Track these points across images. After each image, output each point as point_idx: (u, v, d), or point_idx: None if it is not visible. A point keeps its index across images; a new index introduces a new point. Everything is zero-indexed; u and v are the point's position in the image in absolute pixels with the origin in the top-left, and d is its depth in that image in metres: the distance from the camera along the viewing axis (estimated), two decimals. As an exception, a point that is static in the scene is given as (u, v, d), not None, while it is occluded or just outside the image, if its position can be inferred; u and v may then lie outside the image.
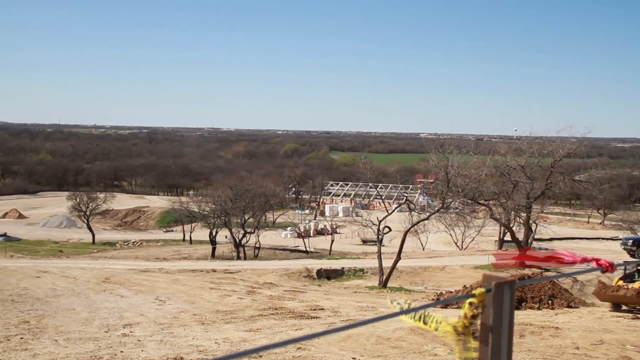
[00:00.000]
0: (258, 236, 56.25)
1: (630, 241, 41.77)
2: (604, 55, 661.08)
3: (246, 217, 56.20)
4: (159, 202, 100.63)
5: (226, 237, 55.46)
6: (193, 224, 66.07)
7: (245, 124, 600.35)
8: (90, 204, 74.41)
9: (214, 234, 55.75)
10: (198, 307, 19.70)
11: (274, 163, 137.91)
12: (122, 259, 45.73)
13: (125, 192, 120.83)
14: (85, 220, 72.77)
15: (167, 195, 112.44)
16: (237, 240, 52.74)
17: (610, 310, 19.78)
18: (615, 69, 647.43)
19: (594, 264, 2.23)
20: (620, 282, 19.98)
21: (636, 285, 19.63)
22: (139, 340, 13.73)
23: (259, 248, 55.59)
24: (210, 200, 59.79)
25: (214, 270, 34.71)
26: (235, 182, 63.79)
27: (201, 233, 65.04)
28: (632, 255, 38.91)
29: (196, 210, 62.16)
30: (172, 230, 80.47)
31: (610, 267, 2.18)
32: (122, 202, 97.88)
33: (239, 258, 50.37)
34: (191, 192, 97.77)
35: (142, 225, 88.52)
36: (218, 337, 14.39)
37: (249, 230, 54.78)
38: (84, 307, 19.12)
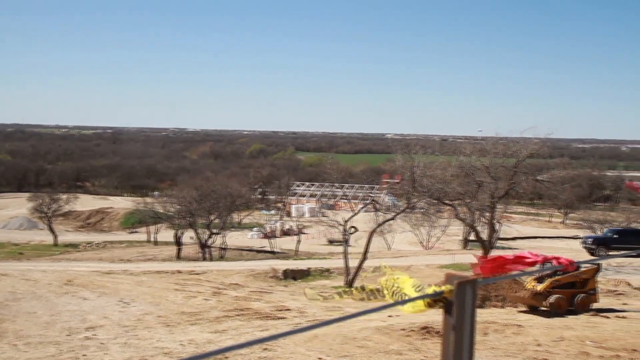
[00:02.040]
0: (224, 237, 56.00)
1: (590, 240, 42.62)
2: (566, 58, 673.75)
3: (212, 218, 55.89)
4: (123, 203, 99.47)
5: (192, 238, 55.07)
6: (158, 225, 65.45)
7: (211, 124, 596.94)
8: (52, 205, 73.21)
9: (179, 235, 55.32)
10: (163, 309, 19.49)
11: (240, 163, 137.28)
12: (85, 261, 45.07)
13: (89, 193, 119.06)
14: (47, 222, 71.54)
15: (132, 196, 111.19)
16: (203, 241, 52.41)
17: (524, 311, 19.96)
18: (576, 72, 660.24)
19: (554, 263, 2.25)
20: (532, 283, 20.26)
21: (541, 286, 19.94)
22: (102, 344, 13.53)
23: (224, 249, 55.32)
24: (176, 201, 59.32)
25: (179, 272, 34.41)
26: (200, 183, 63.37)
27: (166, 234, 64.46)
28: (592, 254, 39.70)
29: (161, 211, 61.60)
30: (137, 232, 79.59)
31: (570, 265, 2.21)
32: (85, 203, 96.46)
33: (204, 259, 50.04)
34: (156, 192, 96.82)
35: (105, 227, 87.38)
36: (183, 339, 14.27)
37: (214, 231, 54.48)
38: (45, 310, 18.78)
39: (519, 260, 2.32)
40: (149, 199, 78.91)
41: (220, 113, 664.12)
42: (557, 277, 20.02)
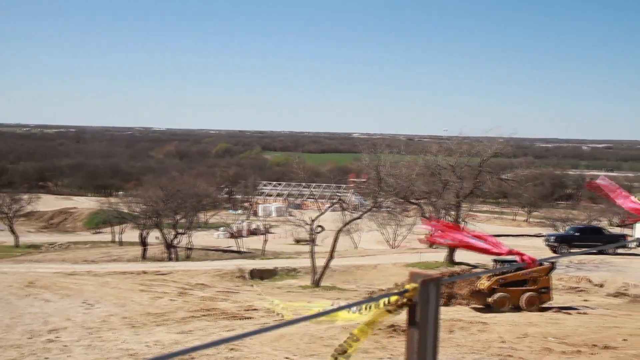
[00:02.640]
0: (190, 237, 55.59)
1: (553, 238, 43.34)
2: (529, 58, 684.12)
3: (178, 218, 55.45)
4: (87, 203, 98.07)
5: (157, 238, 54.56)
6: (123, 225, 64.67)
7: (177, 124, 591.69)
8: (14, 206, 71.84)
9: (144, 235, 54.78)
10: (128, 310, 19.29)
11: (206, 163, 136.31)
12: (47, 262, 44.30)
13: (52, 193, 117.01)
14: (8, 223, 70.18)
15: (96, 196, 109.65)
16: (169, 242, 51.98)
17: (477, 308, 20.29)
18: (538, 72, 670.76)
19: (518, 259, 2.29)
20: (484, 281, 20.65)
21: (487, 284, 20.33)
22: (65, 346, 13.34)
23: (191, 249, 54.92)
24: (141, 201, 58.68)
25: (145, 272, 34.04)
26: (166, 183, 62.79)
27: (131, 234, 63.70)
28: (555, 251, 40.37)
29: (126, 211, 60.85)
30: (101, 232, 78.48)
31: (533, 263, 2.25)
32: (48, 203, 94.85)
33: (170, 259, 49.61)
34: (121, 192, 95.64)
35: (69, 227, 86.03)
36: (149, 340, 14.14)
37: (180, 231, 54.07)
38: (6, 313, 18.43)
39: (482, 240, 2.35)
40: (113, 199, 77.89)
41: (186, 112, 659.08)
42: (503, 275, 20.36)
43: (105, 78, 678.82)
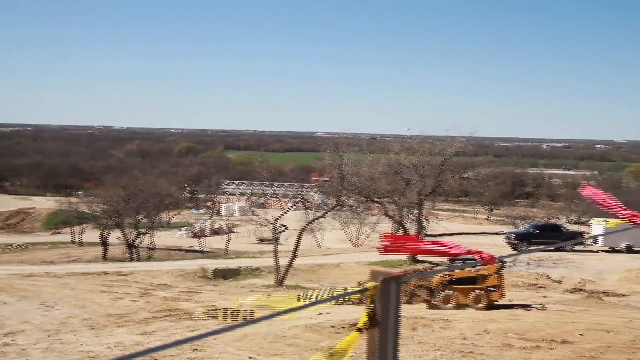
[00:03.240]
0: (152, 237, 55.07)
1: (513, 235, 44.10)
2: (488, 59, 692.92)
3: (139, 218, 54.88)
4: (45, 203, 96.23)
5: (118, 238, 53.89)
6: (83, 226, 63.67)
7: (138, 122, 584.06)
8: (-31, 206, 70.23)
9: (105, 235, 54.09)
10: (88, 312, 19.02)
11: (169, 162, 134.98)
12: (4, 264, 43.37)
13: (8, 193, 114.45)
14: (-37, 224, 68.57)
15: (55, 196, 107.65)
16: (130, 242, 51.42)
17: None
18: (498, 72, 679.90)
19: (477, 257, 2.32)
20: (438, 279, 21.06)
21: (434, 282, 20.77)
22: (22, 349, 13.10)
23: (153, 249, 54.39)
24: (102, 201, 57.91)
25: (106, 273, 33.59)
26: (128, 182, 62.05)
27: (92, 235, 62.75)
28: (515, 249, 41.06)
29: (86, 211, 59.98)
30: (61, 233, 77.05)
31: (491, 260, 2.28)
32: (5, 203, 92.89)
33: (132, 259, 49.06)
34: (81, 192, 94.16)
35: (27, 228, 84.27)
36: (110, 342, 13.97)
37: (142, 230, 53.52)
38: (-38, 315, 18.02)
39: (440, 245, 2.39)
40: (73, 199, 76.60)
41: (148, 111, 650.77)
42: (449, 272, 20.68)
43: (63, 75, 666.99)
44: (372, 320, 1.64)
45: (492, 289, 20.18)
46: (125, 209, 53.99)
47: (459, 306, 20.23)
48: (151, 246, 54.33)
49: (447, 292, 20.60)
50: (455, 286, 20.61)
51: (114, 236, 55.03)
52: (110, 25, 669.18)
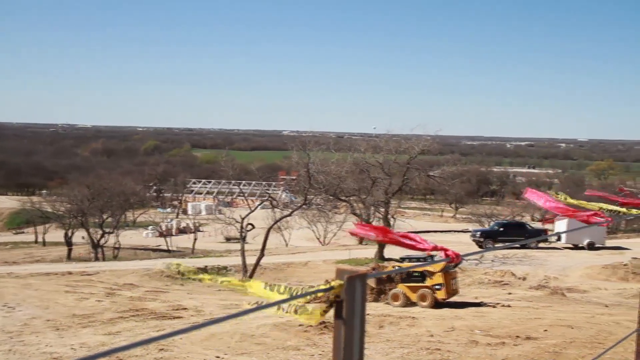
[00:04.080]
0: (117, 236, 54.50)
1: (479, 233, 44.59)
2: (453, 58, 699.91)
3: (105, 217, 54.29)
4: (7, 203, 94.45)
5: (83, 238, 53.20)
6: (46, 225, 62.69)
7: (103, 120, 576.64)
8: None
9: (69, 234, 53.36)
10: (52, 312, 18.73)
11: (134, 161, 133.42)
12: (-35, 264, 42.47)
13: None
14: None
15: (17, 195, 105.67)
16: (95, 241, 50.82)
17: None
18: (463, 72, 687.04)
19: (442, 254, 2.35)
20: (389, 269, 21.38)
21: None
22: (-15, 351, 12.84)
23: (118, 248, 53.82)
24: (66, 200, 57.14)
25: (70, 273, 33.10)
26: (92, 181, 61.27)
27: (56, 234, 61.81)
28: (480, 246, 41.51)
29: (50, 210, 59.10)
30: (23, 232, 75.77)
31: (456, 258, 2.31)
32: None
33: (97, 259, 48.48)
34: (44, 191, 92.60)
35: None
36: (74, 343, 13.78)
37: (107, 230, 52.95)
38: None
39: (408, 239, 2.41)
40: (36, 198, 75.36)
41: (113, 109, 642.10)
42: (399, 264, 20.93)
43: (25, 72, 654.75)
44: (336, 310, 1.65)
45: (437, 287, 20.28)
46: (89, 208, 53.41)
47: (407, 304, 20.44)
48: (117, 246, 53.78)
49: (395, 290, 20.87)
50: (405, 284, 20.83)
51: (79, 236, 54.34)
52: (72, 22, 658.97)
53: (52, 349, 13.07)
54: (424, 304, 20.13)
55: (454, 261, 2.30)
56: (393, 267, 21.60)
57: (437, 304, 20.30)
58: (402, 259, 24.33)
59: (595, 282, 29.18)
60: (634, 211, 3.90)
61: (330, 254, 41.80)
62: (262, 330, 14.30)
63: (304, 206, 38.83)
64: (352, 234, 2.54)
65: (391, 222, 40.85)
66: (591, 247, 40.92)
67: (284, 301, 2.00)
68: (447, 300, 20.69)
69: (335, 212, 56.63)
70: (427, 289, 20.36)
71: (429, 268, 20.16)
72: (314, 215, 55.90)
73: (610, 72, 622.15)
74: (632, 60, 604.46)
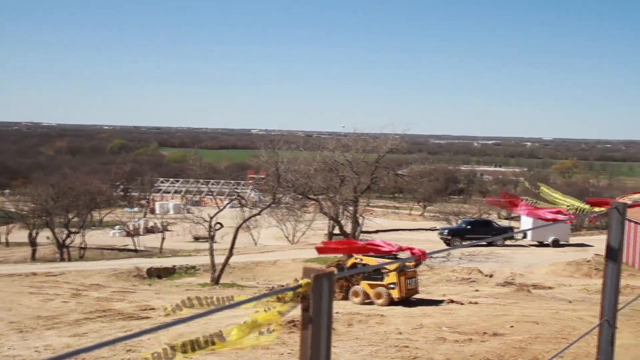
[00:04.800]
0: (84, 236, 53.83)
1: (446, 231, 45.03)
2: (420, 57, 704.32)
3: (70, 217, 53.57)
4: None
5: (48, 238, 52.44)
6: (10, 225, 61.61)
7: (68, 119, 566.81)
8: None
9: (34, 235, 52.54)
10: (16, 314, 18.42)
11: (101, 160, 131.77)
12: None
13: None
14: None
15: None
16: (61, 241, 50.12)
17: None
18: (432, 70, 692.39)
19: (408, 253, 2.36)
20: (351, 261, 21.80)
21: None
22: (-55, 355, 12.58)
23: (84, 248, 53.15)
24: (30, 199, 56.26)
25: (35, 274, 32.57)
26: (57, 180, 60.43)
27: (19, 234, 60.80)
28: (448, 244, 41.94)
29: (13, 210, 58.14)
30: (-15, 233, 74.38)
31: (422, 256, 2.33)
32: None
33: (62, 260, 47.83)
34: (7, 190, 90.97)
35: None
36: (39, 345, 13.57)
37: (73, 230, 52.26)
38: None
39: (372, 246, 2.42)
40: (-1, 197, 74.13)
41: (78, 107, 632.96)
42: (361, 257, 21.23)
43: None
44: (305, 317, 1.65)
45: (392, 286, 20.46)
46: (54, 208, 52.72)
47: (366, 301, 20.67)
48: (83, 246, 53.14)
49: (356, 287, 21.12)
50: (366, 281, 21.04)
51: (43, 236, 53.57)
52: (36, 18, 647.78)
53: (15, 351, 12.86)
54: (379, 301, 20.36)
55: (420, 259, 2.32)
56: (355, 261, 21.80)
57: (408, 302, 20.46)
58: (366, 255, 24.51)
59: (559, 278, 29.68)
60: (596, 209, 3.98)
61: (299, 252, 41.82)
62: (231, 329, 14.25)
63: (272, 205, 38.76)
64: (320, 252, 2.54)
65: (360, 221, 41.02)
66: (556, 244, 41.63)
67: (252, 300, 1.99)
68: (412, 299, 20.95)
69: (304, 211, 56.65)
70: (383, 288, 20.57)
71: (387, 267, 20.33)
72: (283, 214, 55.85)
73: (573, 73, 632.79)
74: (595, 62, 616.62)
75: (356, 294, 21.04)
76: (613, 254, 3.66)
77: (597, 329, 3.78)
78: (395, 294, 20.32)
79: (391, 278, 20.45)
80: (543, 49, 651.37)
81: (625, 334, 10.92)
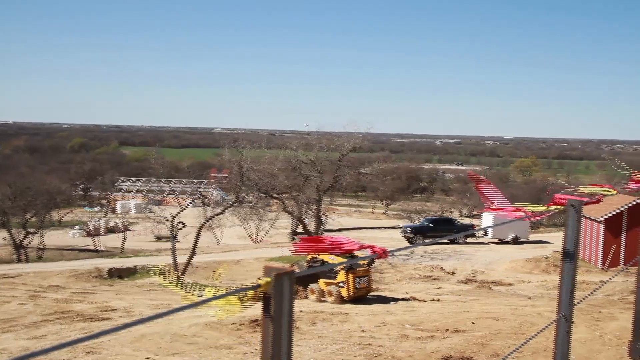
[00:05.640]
0: (42, 236, 52.89)
1: (409, 229, 45.40)
2: (384, 56, 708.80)
3: (28, 217, 52.58)
4: None
5: (5, 239, 51.39)
6: (-37, 227, 60.24)
7: (26, 117, 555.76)
8: None
9: (-11, 236, 51.48)
10: (-29, 317, 18.00)
11: (60, 159, 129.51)
12: None
13: None
14: None
15: None
16: (18, 242, 49.18)
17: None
18: (394, 69, 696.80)
19: (369, 251, 2.38)
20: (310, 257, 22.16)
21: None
22: None
23: (43, 249, 52.23)
24: (-16, 200, 55.07)
25: (-10, 276, 31.90)
26: (14, 179, 59.25)
27: (-26, 236, 59.51)
28: (410, 242, 42.30)
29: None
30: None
31: (384, 254, 2.34)
32: None
33: (19, 261, 46.91)
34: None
35: None
36: (-5, 348, 13.29)
37: (31, 230, 51.31)
38: None
39: (336, 244, 2.44)
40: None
41: (36, 105, 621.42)
42: (318, 254, 21.46)
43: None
44: (264, 307, 1.66)
45: (341, 285, 20.63)
46: (11, 208, 51.69)
47: (321, 299, 20.86)
48: (41, 246, 52.23)
49: (313, 284, 21.29)
50: (323, 279, 21.18)
51: (0, 237, 52.54)
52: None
53: (-29, 355, 12.58)
54: (330, 299, 20.55)
55: (381, 257, 2.34)
56: (310, 259, 21.98)
57: (369, 300, 20.62)
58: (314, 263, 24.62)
59: (519, 275, 30.17)
60: (553, 207, 4.06)
61: (262, 251, 41.72)
62: (194, 329, 14.15)
63: (235, 204, 38.61)
64: (298, 251, 2.58)
65: (323, 220, 41.13)
66: (516, 241, 42.32)
67: (214, 299, 1.98)
68: (371, 296, 21.22)
69: (267, 210, 56.55)
70: (335, 286, 20.72)
71: (340, 265, 20.46)
72: (246, 213, 55.68)
73: (532, 74, 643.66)
74: (553, 62, 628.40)
75: (312, 292, 21.22)
76: (570, 250, 3.74)
77: (555, 324, 3.87)
78: (344, 292, 20.45)
79: (340, 277, 20.60)
80: (503, 49, 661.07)
81: (582, 328, 11.17)
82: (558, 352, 3.86)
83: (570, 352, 3.93)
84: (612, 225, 32.33)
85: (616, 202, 31.58)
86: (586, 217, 32.21)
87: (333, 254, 21.63)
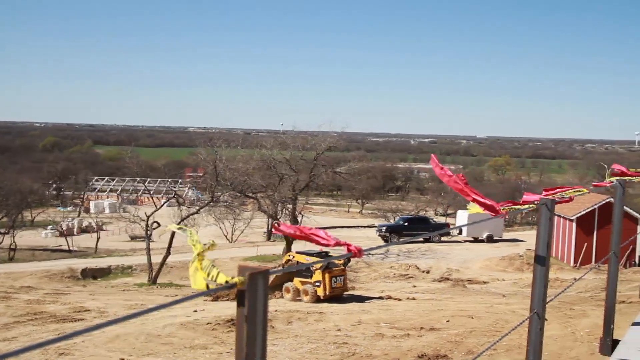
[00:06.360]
0: (13, 237, 52.17)
1: (384, 228, 45.57)
2: (360, 55, 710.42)
3: (-1, 217, 51.92)
4: None
5: (-25, 239, 50.65)
6: None
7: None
8: None
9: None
10: (-59, 319, 17.69)
11: (32, 158, 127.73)
12: None
13: None
14: None
15: None
16: (-11, 243, 48.53)
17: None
18: (370, 69, 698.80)
19: (345, 250, 2.39)
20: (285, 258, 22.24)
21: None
22: None
23: (14, 249, 51.50)
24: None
25: (-40, 277, 31.39)
26: (-15, 179, 58.44)
27: (-56, 236, 58.50)
28: (386, 241, 42.47)
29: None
30: None
31: (359, 253, 2.35)
32: None
33: (-10, 262, 46.24)
34: None
35: None
36: (-34, 350, 13.06)
37: (2, 230, 50.57)
38: None
39: (314, 235, 2.45)
40: None
41: (7, 103, 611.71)
42: (294, 254, 21.54)
43: None
44: (238, 306, 1.66)
45: (317, 284, 20.73)
46: (-18, 208, 50.96)
47: (297, 298, 20.93)
48: (12, 247, 51.51)
49: (288, 283, 21.35)
50: (298, 278, 21.25)
51: (-30, 237, 51.75)
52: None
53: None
54: (305, 298, 20.61)
55: (356, 256, 2.35)
56: (288, 258, 22.05)
57: (344, 299, 20.69)
58: (298, 253, 24.63)
59: (493, 273, 30.46)
60: (526, 206, 4.11)
61: (237, 251, 41.60)
62: (169, 329, 14.07)
63: (211, 203, 38.46)
64: (278, 230, 2.60)
65: (298, 219, 41.13)
66: (490, 239, 42.71)
67: (187, 299, 1.97)
68: (346, 295, 21.31)
69: (242, 209, 56.35)
70: (310, 285, 20.79)
71: (316, 265, 20.56)
72: (222, 213, 55.46)
73: (506, 74, 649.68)
74: (525, 62, 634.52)
75: (288, 290, 21.27)
76: (542, 249, 3.79)
77: (528, 321, 3.91)
78: (320, 291, 20.51)
79: (317, 276, 20.66)
80: (478, 50, 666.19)
81: (554, 325, 11.30)
82: (531, 349, 3.90)
83: (542, 348, 3.98)
84: (584, 223, 32.78)
85: (588, 201, 32.03)
86: (558, 216, 32.61)
87: (308, 254, 21.76)
